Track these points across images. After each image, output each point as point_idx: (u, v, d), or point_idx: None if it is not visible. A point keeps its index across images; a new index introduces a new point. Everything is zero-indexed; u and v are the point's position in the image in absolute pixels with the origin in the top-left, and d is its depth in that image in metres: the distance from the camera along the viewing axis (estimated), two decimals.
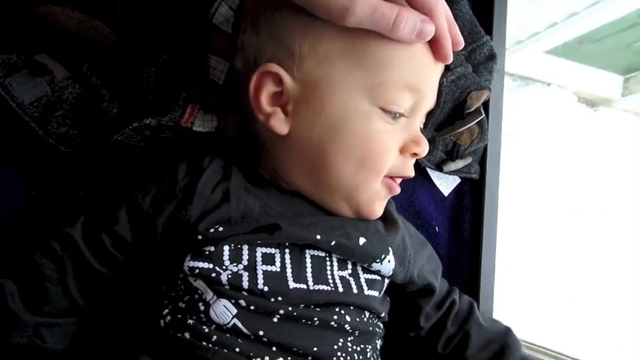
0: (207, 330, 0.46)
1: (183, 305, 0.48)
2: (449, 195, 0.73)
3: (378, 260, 0.53)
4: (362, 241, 0.52)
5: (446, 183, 0.73)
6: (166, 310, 0.49)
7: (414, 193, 0.71)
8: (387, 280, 0.57)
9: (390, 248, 0.55)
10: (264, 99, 0.50)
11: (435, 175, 0.72)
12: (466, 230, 0.73)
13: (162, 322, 0.48)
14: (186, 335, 0.46)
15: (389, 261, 0.54)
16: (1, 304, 0.49)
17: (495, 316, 0.72)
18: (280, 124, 0.50)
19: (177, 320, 0.48)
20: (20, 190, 0.57)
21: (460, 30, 0.63)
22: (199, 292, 0.47)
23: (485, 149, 0.72)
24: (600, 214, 2.09)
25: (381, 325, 0.56)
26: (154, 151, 0.58)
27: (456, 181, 0.73)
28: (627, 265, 1.96)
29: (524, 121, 2.21)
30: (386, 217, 0.58)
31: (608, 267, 1.94)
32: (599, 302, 1.85)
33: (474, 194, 0.73)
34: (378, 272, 0.55)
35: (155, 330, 0.49)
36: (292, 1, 0.45)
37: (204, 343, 0.45)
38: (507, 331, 0.64)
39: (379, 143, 0.50)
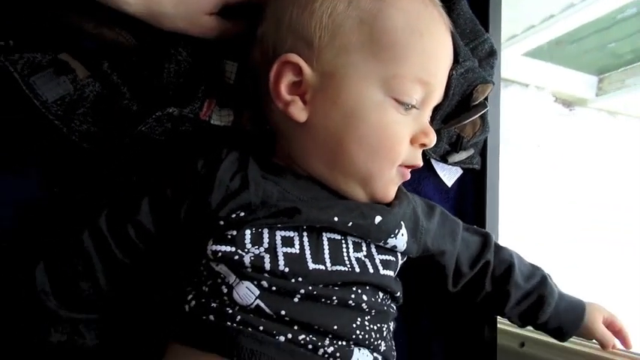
0: (231, 311, 0.48)
1: (207, 289, 0.50)
2: (452, 185, 0.76)
3: (392, 235, 0.56)
4: (378, 219, 0.54)
5: (449, 174, 0.76)
6: (190, 296, 0.51)
7: (419, 185, 0.74)
8: (400, 260, 0.59)
9: (402, 222, 0.57)
10: (284, 88, 0.53)
11: (438, 167, 0.75)
12: (469, 217, 0.76)
13: (186, 307, 0.50)
14: (211, 317, 0.48)
15: (402, 234, 0.57)
16: (37, 305, 0.51)
17: None
18: (299, 112, 0.53)
19: (201, 304, 0.49)
20: (43, 187, 0.58)
21: (462, 28, 0.67)
22: (222, 276, 0.49)
23: (485, 141, 0.75)
24: (580, 203, 2.17)
25: (394, 307, 0.58)
26: (174, 145, 0.59)
27: (458, 172, 0.76)
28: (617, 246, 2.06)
29: (503, 122, 2.28)
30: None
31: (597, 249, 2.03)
32: (598, 278, 1.94)
33: (475, 184, 0.76)
34: (393, 249, 0.57)
35: (180, 315, 0.51)
36: None
37: (229, 324, 0.47)
38: (543, 282, 0.67)
39: (392, 132, 0.53)
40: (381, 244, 0.56)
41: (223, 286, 0.49)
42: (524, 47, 2.20)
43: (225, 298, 0.48)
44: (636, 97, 2.35)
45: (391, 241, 0.56)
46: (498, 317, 0.76)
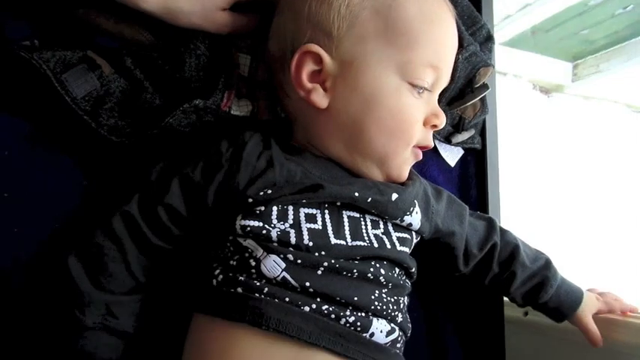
0: (258, 284, 0.51)
1: (234, 263, 0.53)
2: (455, 165, 0.80)
3: (408, 213, 0.59)
4: (394, 196, 0.58)
5: (451, 154, 0.80)
6: (217, 271, 0.54)
7: (425, 166, 0.78)
8: (415, 238, 0.63)
9: (415, 201, 0.61)
10: (305, 76, 0.56)
11: (441, 148, 0.79)
12: (472, 196, 0.81)
13: (214, 281, 0.53)
14: (239, 290, 0.51)
15: (417, 212, 0.60)
16: (71, 287, 0.53)
17: None
18: (320, 99, 0.56)
19: (229, 278, 0.52)
20: (74, 181, 0.61)
21: (460, 15, 0.71)
22: (250, 250, 0.52)
23: (484, 122, 0.80)
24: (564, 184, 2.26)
25: (409, 283, 0.62)
26: (198, 136, 0.62)
27: (460, 152, 0.81)
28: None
29: None
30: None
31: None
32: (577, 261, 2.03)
33: (477, 163, 0.81)
34: (408, 227, 0.61)
35: (208, 289, 0.53)
36: None
37: (257, 295, 0.50)
38: (547, 265, 0.71)
39: (408, 115, 0.57)
40: (398, 221, 0.60)
41: (251, 260, 0.52)
42: (501, 37, 2.26)
43: (253, 271, 0.51)
44: (610, 81, 2.43)
45: (407, 219, 0.60)
46: None
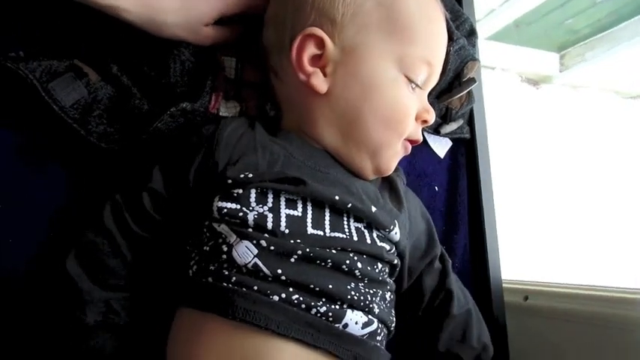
0: (227, 273, 0.50)
1: (207, 249, 0.52)
2: (445, 156, 0.81)
3: (387, 230, 0.58)
4: (373, 209, 0.57)
5: (440, 146, 0.81)
6: (192, 261, 0.53)
7: (414, 158, 0.78)
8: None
9: (396, 221, 0.60)
10: (306, 59, 0.57)
11: (430, 139, 0.79)
12: (462, 186, 0.81)
13: (190, 272, 0.53)
14: (210, 279, 0.50)
15: (395, 233, 0.59)
16: (71, 288, 0.53)
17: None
18: (320, 83, 0.57)
19: (201, 267, 0.52)
20: (66, 189, 0.61)
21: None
22: (223, 235, 0.51)
23: (472, 114, 0.80)
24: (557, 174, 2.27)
25: (390, 281, 0.59)
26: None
27: (448, 143, 0.81)
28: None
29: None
30: (394, 193, 0.64)
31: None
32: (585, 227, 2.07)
33: (467, 152, 0.82)
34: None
35: (185, 280, 0.53)
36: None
37: (225, 284, 0.49)
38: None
39: (403, 106, 0.58)
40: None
41: (224, 246, 0.51)
42: (486, 31, 2.27)
43: (224, 256, 0.50)
44: (597, 69, 2.45)
45: (384, 232, 0.59)
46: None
